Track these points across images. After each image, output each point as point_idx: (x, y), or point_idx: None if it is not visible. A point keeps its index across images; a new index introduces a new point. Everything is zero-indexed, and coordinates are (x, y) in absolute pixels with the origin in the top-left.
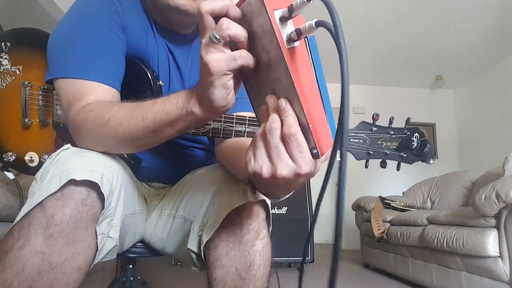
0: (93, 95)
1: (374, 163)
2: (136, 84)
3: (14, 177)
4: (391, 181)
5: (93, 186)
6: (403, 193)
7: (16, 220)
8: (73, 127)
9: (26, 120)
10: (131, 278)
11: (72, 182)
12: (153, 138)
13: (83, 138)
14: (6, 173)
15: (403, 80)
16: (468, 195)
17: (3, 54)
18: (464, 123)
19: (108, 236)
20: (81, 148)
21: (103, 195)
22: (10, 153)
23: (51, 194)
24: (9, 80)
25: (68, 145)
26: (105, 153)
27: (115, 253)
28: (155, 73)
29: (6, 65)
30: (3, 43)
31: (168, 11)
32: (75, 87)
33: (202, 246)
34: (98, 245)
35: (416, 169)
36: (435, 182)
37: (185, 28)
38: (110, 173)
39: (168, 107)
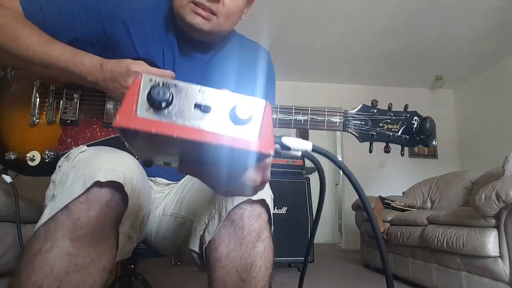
0: (14, 4)
1: (375, 162)
2: None
3: (11, 180)
4: (391, 181)
5: (116, 187)
6: (403, 193)
7: (40, 223)
8: None
9: (34, 119)
10: (132, 278)
11: (96, 184)
12: (46, 72)
13: None
14: (4, 176)
15: (403, 80)
16: (468, 195)
17: None
18: (464, 123)
19: (128, 236)
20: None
21: (126, 195)
22: (11, 152)
23: (75, 198)
24: (23, 82)
25: (84, 147)
26: (120, 152)
27: (130, 252)
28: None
29: None
30: None
31: (184, 26)
32: None
33: (204, 246)
34: (119, 244)
35: (416, 169)
36: (435, 182)
37: (205, 38)
38: (130, 173)
39: (71, 67)
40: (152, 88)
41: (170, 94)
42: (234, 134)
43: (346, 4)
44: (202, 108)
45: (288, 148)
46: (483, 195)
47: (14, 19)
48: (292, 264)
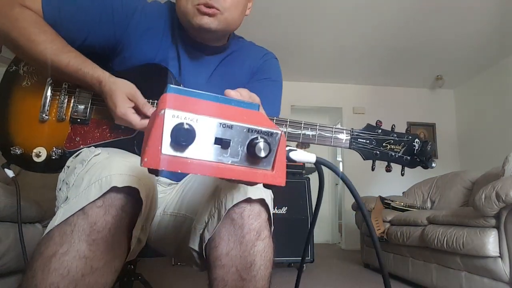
0: (36, 4)
1: (381, 168)
2: (157, 84)
3: (13, 175)
4: (391, 181)
5: (131, 192)
6: (403, 193)
7: (52, 225)
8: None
9: (43, 115)
10: (132, 278)
11: (113, 189)
12: (57, 76)
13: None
14: (6, 170)
15: (403, 80)
16: (468, 195)
17: None
18: (464, 123)
19: (138, 238)
20: None
21: (141, 200)
22: (18, 147)
23: (92, 201)
24: (35, 79)
25: (98, 151)
26: (132, 155)
27: (137, 253)
28: (176, 79)
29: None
30: None
31: (193, 30)
32: None
33: (204, 244)
34: (131, 246)
35: (416, 169)
36: (435, 182)
37: (214, 41)
38: (144, 178)
39: (80, 76)
40: (176, 126)
41: (193, 133)
42: (251, 168)
43: (346, 4)
44: (223, 144)
45: (294, 161)
46: (483, 195)
47: (33, 23)
48: (292, 264)
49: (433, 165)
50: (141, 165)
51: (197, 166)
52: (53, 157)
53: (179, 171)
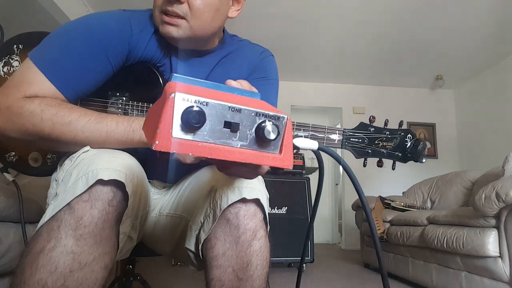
0: (43, 92)
1: (374, 163)
2: (150, 90)
3: (13, 178)
4: (391, 181)
5: (118, 186)
6: (403, 193)
7: (42, 222)
8: (13, 110)
9: None
10: (131, 278)
11: (99, 182)
12: (101, 147)
13: (25, 125)
14: (5, 174)
15: (403, 80)
16: (468, 195)
17: (14, 56)
18: (464, 123)
19: (128, 236)
20: (4, 133)
21: (127, 194)
22: (13, 153)
23: (78, 196)
24: None
25: (87, 148)
26: (122, 152)
27: (129, 252)
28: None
29: (17, 66)
30: (15, 45)
31: (165, 38)
32: (33, 76)
33: (200, 245)
34: (120, 243)
35: (416, 169)
36: (435, 182)
37: (197, 46)
38: (131, 173)
39: (130, 135)
40: (186, 109)
41: (203, 116)
42: (259, 151)
43: (346, 4)
44: (232, 127)
45: (298, 148)
46: (483, 195)
47: (57, 106)
48: (292, 264)
49: (423, 160)
50: (152, 148)
51: (207, 149)
52: (49, 164)
53: (190, 154)
